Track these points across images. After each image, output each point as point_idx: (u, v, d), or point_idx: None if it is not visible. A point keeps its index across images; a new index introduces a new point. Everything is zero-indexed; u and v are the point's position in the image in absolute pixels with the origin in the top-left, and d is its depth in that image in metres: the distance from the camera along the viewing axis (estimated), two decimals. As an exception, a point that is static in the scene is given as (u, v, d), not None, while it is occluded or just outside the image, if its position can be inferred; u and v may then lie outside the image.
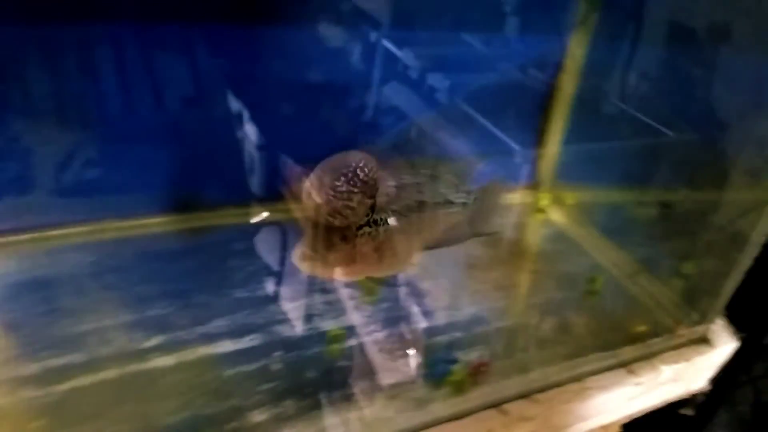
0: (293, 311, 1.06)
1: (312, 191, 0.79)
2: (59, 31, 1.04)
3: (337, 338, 1.02)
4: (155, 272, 1.08)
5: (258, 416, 0.88)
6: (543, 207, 1.43)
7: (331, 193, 0.78)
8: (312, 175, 0.81)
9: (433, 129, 1.35)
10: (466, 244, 1.28)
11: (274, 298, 1.08)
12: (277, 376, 0.94)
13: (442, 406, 0.94)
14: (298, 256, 0.81)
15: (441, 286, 1.15)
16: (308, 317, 1.05)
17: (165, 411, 0.86)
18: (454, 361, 0.99)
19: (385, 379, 0.97)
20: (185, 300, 1.04)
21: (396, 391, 0.95)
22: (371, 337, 1.03)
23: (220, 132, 1.20)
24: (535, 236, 1.39)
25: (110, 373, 0.89)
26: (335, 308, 1.08)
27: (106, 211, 1.16)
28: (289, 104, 1.23)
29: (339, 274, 0.83)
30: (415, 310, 1.09)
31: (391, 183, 0.86)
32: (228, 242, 1.18)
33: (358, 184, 0.78)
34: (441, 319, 1.08)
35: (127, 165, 1.16)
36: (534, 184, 1.46)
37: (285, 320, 1.04)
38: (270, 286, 1.10)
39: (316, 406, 0.91)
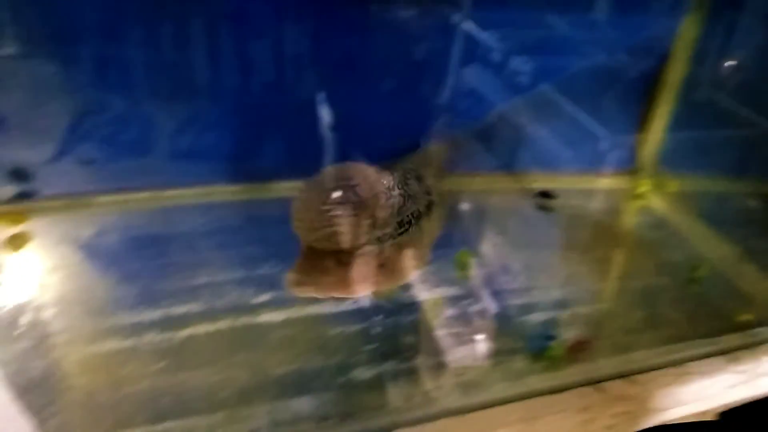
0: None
1: (298, 212, 0.70)
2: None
3: (433, 307, 1.04)
4: (264, 235, 1.13)
5: (361, 374, 0.91)
6: (642, 193, 1.40)
7: (316, 218, 0.69)
8: (300, 193, 0.71)
9: (515, 114, 1.35)
10: (557, 227, 1.29)
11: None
12: (377, 338, 0.98)
13: (538, 380, 0.95)
14: (289, 280, 0.73)
15: (537, 266, 1.16)
16: (405, 286, 1.07)
17: (274, 362, 0.91)
18: (553, 337, 0.99)
19: (474, 351, 0.99)
20: (292, 262, 1.08)
21: (492, 361, 0.96)
22: (463, 310, 1.05)
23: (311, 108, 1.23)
24: (633, 222, 1.37)
25: (224, 324, 0.95)
26: (430, 279, 1.10)
27: (217, 176, 1.23)
28: (366, 85, 1.24)
29: (337, 294, 0.76)
30: (509, 287, 1.11)
31: (394, 193, 0.77)
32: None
33: (351, 206, 0.68)
34: (538, 297, 1.09)
35: (239, 133, 1.22)
36: (633, 170, 1.44)
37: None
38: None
39: (415, 370, 0.94)
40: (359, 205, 0.68)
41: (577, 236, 1.25)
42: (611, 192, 1.43)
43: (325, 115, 1.17)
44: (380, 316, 1.00)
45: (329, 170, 0.73)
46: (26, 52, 1.04)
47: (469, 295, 1.07)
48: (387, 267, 0.77)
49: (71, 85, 1.09)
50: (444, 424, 0.86)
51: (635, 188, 1.42)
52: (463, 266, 1.12)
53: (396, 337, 0.98)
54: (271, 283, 1.02)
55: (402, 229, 0.77)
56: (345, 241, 0.69)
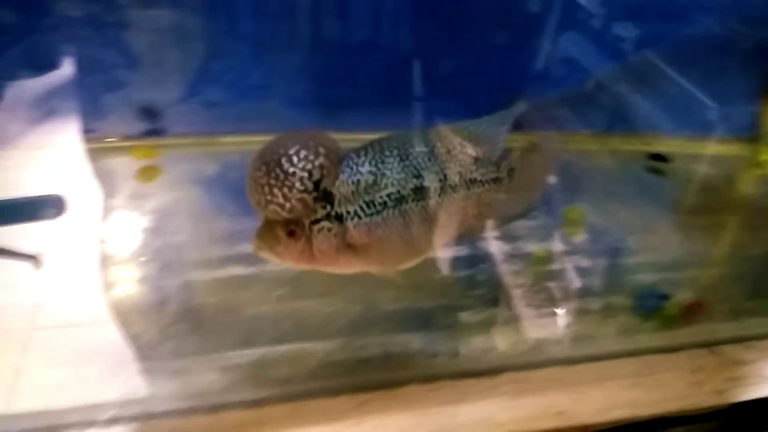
0: (500, 230, 1.09)
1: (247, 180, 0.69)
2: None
3: (540, 260, 1.04)
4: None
5: (468, 317, 0.93)
6: (763, 162, 1.33)
7: (252, 184, 0.68)
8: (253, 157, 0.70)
9: (619, 79, 1.30)
10: (671, 190, 1.25)
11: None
12: (484, 284, 0.99)
13: (650, 338, 0.93)
14: (252, 241, 0.73)
15: (650, 228, 1.13)
16: (513, 238, 1.07)
17: (384, 299, 0.94)
18: (666, 297, 0.97)
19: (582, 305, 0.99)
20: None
21: (602, 316, 0.96)
22: (572, 264, 1.04)
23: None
24: (752, 190, 1.31)
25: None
26: (537, 234, 1.10)
27: (325, 124, 1.26)
28: (459, 45, 1.24)
29: (292, 264, 0.74)
30: (620, 246, 1.09)
31: (362, 170, 0.72)
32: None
33: (281, 177, 0.66)
34: (651, 257, 1.06)
35: (344, 84, 1.24)
36: (753, 138, 1.37)
37: (486, 237, 1.08)
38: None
39: (521, 319, 0.94)
40: (293, 176, 0.67)
41: (691, 200, 1.21)
42: (728, 159, 1.37)
43: (420, 71, 1.18)
44: (487, 264, 1.01)
45: (274, 139, 0.71)
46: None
47: (579, 251, 1.06)
48: (353, 251, 0.74)
49: (200, 31, 1.15)
50: (552, 372, 0.87)
51: (755, 156, 1.35)
52: (572, 222, 1.11)
53: (503, 286, 0.99)
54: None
55: (372, 211, 0.72)
56: (283, 212, 0.68)
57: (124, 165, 1.12)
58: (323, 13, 1.19)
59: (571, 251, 1.06)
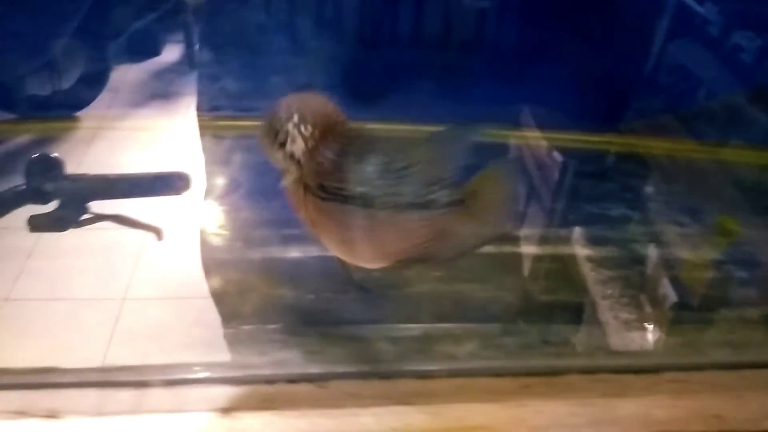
0: (647, 234, 1.08)
1: None
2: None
3: (696, 267, 1.02)
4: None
5: (624, 315, 0.93)
6: None
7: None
8: None
9: (738, 101, 1.26)
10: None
11: (629, 220, 1.11)
12: (637, 286, 0.98)
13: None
14: None
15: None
16: (664, 243, 1.06)
17: (538, 290, 0.95)
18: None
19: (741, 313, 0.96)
20: (548, 204, 1.12)
21: (764, 324, 0.93)
22: (728, 274, 1.02)
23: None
24: None
25: (491, 249, 1.00)
26: (689, 241, 1.08)
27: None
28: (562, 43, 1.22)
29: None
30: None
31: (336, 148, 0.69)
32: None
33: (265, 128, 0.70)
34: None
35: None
36: None
37: (640, 241, 1.07)
38: (621, 210, 1.13)
39: (678, 320, 0.93)
40: (271, 127, 0.70)
41: None
42: None
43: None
44: (642, 266, 1.01)
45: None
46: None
47: (734, 261, 1.03)
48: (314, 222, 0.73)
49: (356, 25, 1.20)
50: (713, 375, 0.85)
51: None
52: (726, 232, 1.08)
53: (659, 288, 0.98)
54: (530, 220, 1.06)
55: (323, 195, 0.70)
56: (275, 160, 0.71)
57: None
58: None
59: (727, 260, 1.03)
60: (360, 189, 0.67)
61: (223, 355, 0.78)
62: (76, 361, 0.70)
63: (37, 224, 1.08)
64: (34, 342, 1.13)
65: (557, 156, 1.20)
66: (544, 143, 1.23)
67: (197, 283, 0.88)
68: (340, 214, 0.70)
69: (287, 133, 0.69)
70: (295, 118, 0.69)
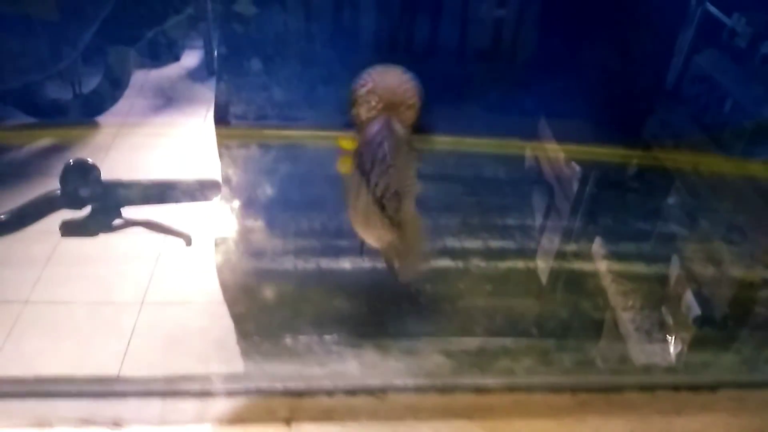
0: (697, 251, 1.07)
1: None
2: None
3: (750, 286, 1.01)
4: (560, 192, 1.17)
5: (678, 333, 0.91)
6: None
7: None
8: None
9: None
10: None
11: (678, 238, 1.10)
12: (684, 301, 0.97)
13: None
14: None
15: None
16: (717, 261, 1.05)
17: (590, 307, 0.94)
18: None
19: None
20: (593, 219, 1.11)
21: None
22: None
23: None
24: None
25: (539, 263, 0.99)
26: (742, 260, 1.06)
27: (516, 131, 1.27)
28: (590, 57, 1.21)
29: None
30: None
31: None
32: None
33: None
34: None
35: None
36: None
37: (690, 258, 1.06)
38: (671, 226, 1.12)
39: (735, 339, 0.92)
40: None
41: None
42: None
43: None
44: (696, 285, 0.99)
45: None
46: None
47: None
48: None
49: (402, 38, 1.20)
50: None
51: None
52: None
53: (714, 308, 0.96)
54: (576, 236, 1.05)
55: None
56: None
57: (329, 153, 1.17)
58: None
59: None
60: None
61: (283, 367, 0.77)
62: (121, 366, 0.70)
63: (69, 229, 1.08)
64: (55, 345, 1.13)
65: (575, 167, 1.20)
66: (561, 155, 1.23)
67: (248, 291, 0.89)
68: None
69: (358, 97, 0.79)
70: (369, 85, 0.78)
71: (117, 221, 1.11)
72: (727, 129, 1.33)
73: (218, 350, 0.78)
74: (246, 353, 0.77)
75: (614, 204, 1.16)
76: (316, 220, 0.98)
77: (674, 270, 1.02)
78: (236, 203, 1.03)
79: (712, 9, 1.20)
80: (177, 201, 1.12)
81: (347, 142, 1.19)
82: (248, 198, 1.08)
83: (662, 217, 1.13)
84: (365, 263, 0.94)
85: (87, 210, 1.09)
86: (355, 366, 0.76)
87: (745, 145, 1.34)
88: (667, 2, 1.19)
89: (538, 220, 1.09)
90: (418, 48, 1.22)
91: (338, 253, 0.95)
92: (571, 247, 1.03)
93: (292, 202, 1.05)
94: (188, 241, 1.05)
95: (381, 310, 0.85)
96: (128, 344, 1.02)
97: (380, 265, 0.94)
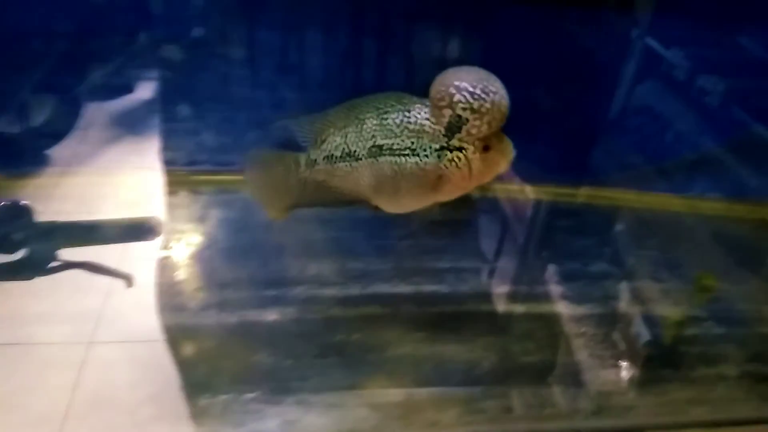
0: (626, 291, 1.09)
1: None
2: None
3: (675, 325, 1.02)
4: (498, 230, 1.17)
5: (603, 376, 0.92)
6: None
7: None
8: None
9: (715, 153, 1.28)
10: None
11: (607, 275, 1.11)
12: (615, 344, 0.98)
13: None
14: None
15: None
16: (644, 300, 1.06)
17: (521, 350, 0.94)
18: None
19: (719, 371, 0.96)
20: (528, 259, 1.12)
21: (743, 383, 0.93)
22: (706, 331, 1.02)
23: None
24: None
25: (470, 307, 0.99)
26: (669, 297, 1.08)
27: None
28: (531, 93, 1.21)
29: None
30: (755, 315, 1.06)
31: None
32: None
33: None
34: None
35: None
36: None
37: (619, 297, 1.07)
38: (603, 264, 1.14)
39: (660, 379, 0.92)
40: None
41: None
42: None
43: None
44: (621, 324, 1.00)
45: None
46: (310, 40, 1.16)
47: (712, 318, 1.04)
48: None
49: (342, 76, 1.20)
50: (695, 435, 0.85)
51: None
52: (704, 288, 1.09)
53: (636, 346, 0.97)
54: (507, 277, 1.06)
55: None
56: None
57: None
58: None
59: (705, 317, 1.04)
60: None
61: (198, 428, 0.75)
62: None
63: (2, 273, 1.05)
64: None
65: (528, 201, 1.21)
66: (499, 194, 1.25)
67: (166, 346, 0.86)
68: None
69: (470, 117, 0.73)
70: (486, 103, 0.72)
71: (53, 264, 1.08)
72: (667, 161, 1.37)
73: (129, 415, 0.75)
74: (158, 417, 0.74)
75: (548, 243, 1.17)
76: (242, 270, 0.97)
77: (603, 310, 1.03)
78: (162, 252, 1.01)
79: (652, 42, 1.24)
80: (116, 241, 1.10)
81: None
82: (175, 246, 1.06)
83: (594, 255, 1.15)
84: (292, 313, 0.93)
85: (21, 253, 1.06)
86: (275, 424, 0.74)
87: (682, 179, 1.38)
88: (609, 36, 1.22)
89: (473, 262, 1.09)
90: (351, 89, 1.23)
91: (264, 304, 0.93)
92: (503, 288, 1.04)
93: (221, 251, 1.03)
94: (129, 283, 1.02)
95: (305, 363, 0.83)
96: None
97: (310, 316, 0.93)
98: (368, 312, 0.94)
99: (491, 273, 1.07)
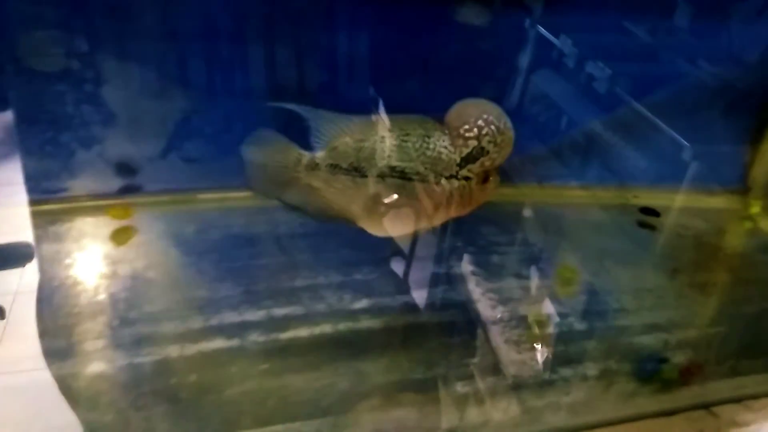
0: (491, 292, 1.06)
1: None
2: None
3: (537, 324, 1.00)
4: (358, 238, 1.12)
5: (461, 388, 0.88)
6: (752, 215, 1.32)
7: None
8: None
9: (603, 133, 1.29)
10: (661, 246, 1.23)
11: (470, 277, 1.08)
12: (478, 352, 0.95)
13: (648, 402, 0.90)
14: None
15: (642, 287, 1.11)
16: (506, 300, 1.04)
17: (374, 370, 0.89)
18: (665, 360, 0.95)
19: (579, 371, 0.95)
20: (387, 268, 1.07)
21: (599, 382, 0.92)
22: (567, 329, 1.01)
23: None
24: (743, 245, 1.29)
25: (325, 328, 0.94)
26: (531, 295, 1.07)
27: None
28: (427, 86, 1.22)
29: None
30: (615, 306, 1.06)
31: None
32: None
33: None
34: (646, 318, 1.03)
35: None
36: (743, 189, 1.37)
37: (481, 300, 1.04)
38: (469, 266, 1.11)
39: (517, 387, 0.90)
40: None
41: (682, 257, 1.19)
42: (719, 212, 1.36)
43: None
44: (479, 329, 0.98)
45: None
46: (134, 50, 1.07)
47: (573, 313, 1.03)
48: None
49: (177, 85, 1.11)
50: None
51: (745, 209, 1.35)
52: (566, 282, 1.08)
53: (496, 353, 0.95)
54: (367, 290, 1.01)
55: None
56: None
57: (98, 226, 1.07)
58: (306, 65, 1.17)
59: (567, 313, 1.03)
60: None
61: None
62: None
63: None
64: None
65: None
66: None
67: None
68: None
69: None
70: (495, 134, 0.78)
71: None
72: (579, 159, 1.36)
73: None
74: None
75: (411, 249, 1.13)
76: (61, 314, 0.88)
77: (462, 318, 1.00)
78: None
79: (543, 31, 1.23)
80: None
81: (118, 211, 1.09)
82: None
83: (458, 258, 1.12)
84: (118, 360, 0.84)
85: None
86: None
87: (594, 173, 1.38)
88: (506, 25, 1.18)
89: (331, 277, 1.04)
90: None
91: (87, 354, 0.85)
92: (361, 303, 0.99)
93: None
94: (1, 315, 0.91)
95: (128, 418, 0.76)
96: None
97: (139, 359, 0.85)
98: (210, 347, 0.87)
99: (350, 287, 1.02)
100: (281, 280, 1.00)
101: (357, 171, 0.79)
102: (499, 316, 1.00)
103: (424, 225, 0.84)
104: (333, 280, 1.02)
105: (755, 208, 1.32)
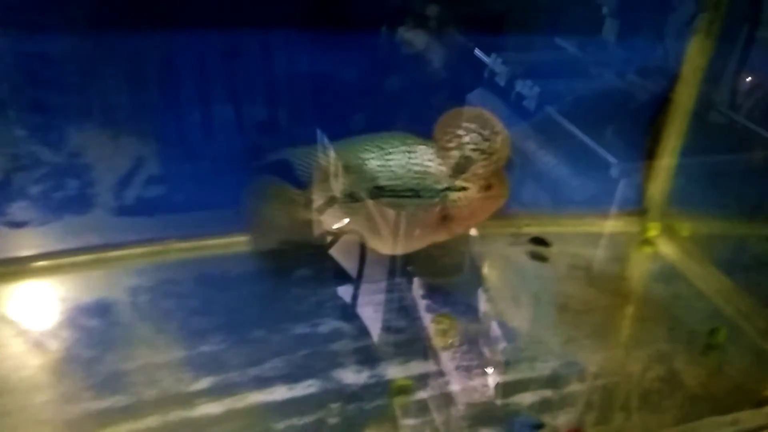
0: (357, 353, 0.95)
1: None
2: (125, 41, 0.99)
3: (402, 389, 0.89)
4: (213, 300, 1.00)
5: None
6: (651, 238, 1.23)
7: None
8: None
9: (520, 140, 1.21)
10: (553, 280, 1.14)
11: (337, 336, 0.97)
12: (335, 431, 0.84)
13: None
14: None
15: (528, 330, 1.01)
16: (373, 361, 0.93)
17: None
18: (541, 426, 0.84)
19: None
20: (241, 335, 0.95)
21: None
22: (437, 392, 0.90)
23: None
24: (641, 273, 1.19)
25: (153, 421, 0.81)
26: (402, 351, 0.96)
27: (168, 231, 1.10)
28: (367, 111, 1.11)
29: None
30: (494, 359, 0.96)
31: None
32: (293, 268, 1.09)
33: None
34: (525, 372, 0.93)
35: (190, 183, 1.10)
36: (640, 211, 1.27)
37: (346, 363, 0.93)
38: (334, 322, 0.99)
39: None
40: None
41: (575, 291, 1.09)
42: (615, 236, 1.25)
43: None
44: (339, 403, 0.86)
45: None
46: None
47: (447, 372, 0.92)
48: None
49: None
50: None
51: (643, 232, 1.25)
52: (442, 333, 0.97)
53: (358, 430, 0.84)
54: (212, 365, 0.89)
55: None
56: None
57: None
58: (151, 106, 1.05)
59: (439, 372, 0.92)
60: None
61: None
62: None
63: None
64: None
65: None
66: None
67: None
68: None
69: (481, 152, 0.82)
70: (497, 139, 0.83)
71: None
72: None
73: None
74: None
75: (276, 304, 1.02)
76: None
77: (324, 387, 0.89)
78: None
79: (474, 50, 1.21)
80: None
81: None
82: None
83: (327, 312, 1.01)
84: None
85: None
86: None
87: None
88: (433, 48, 1.14)
89: (172, 353, 0.92)
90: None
91: None
92: (204, 382, 0.87)
93: None
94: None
95: None
96: None
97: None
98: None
99: (187, 366, 0.89)
100: (109, 363, 0.86)
101: (351, 197, 0.81)
102: (362, 383, 0.89)
103: (429, 239, 0.86)
104: (173, 357, 0.90)
105: (653, 231, 1.23)
